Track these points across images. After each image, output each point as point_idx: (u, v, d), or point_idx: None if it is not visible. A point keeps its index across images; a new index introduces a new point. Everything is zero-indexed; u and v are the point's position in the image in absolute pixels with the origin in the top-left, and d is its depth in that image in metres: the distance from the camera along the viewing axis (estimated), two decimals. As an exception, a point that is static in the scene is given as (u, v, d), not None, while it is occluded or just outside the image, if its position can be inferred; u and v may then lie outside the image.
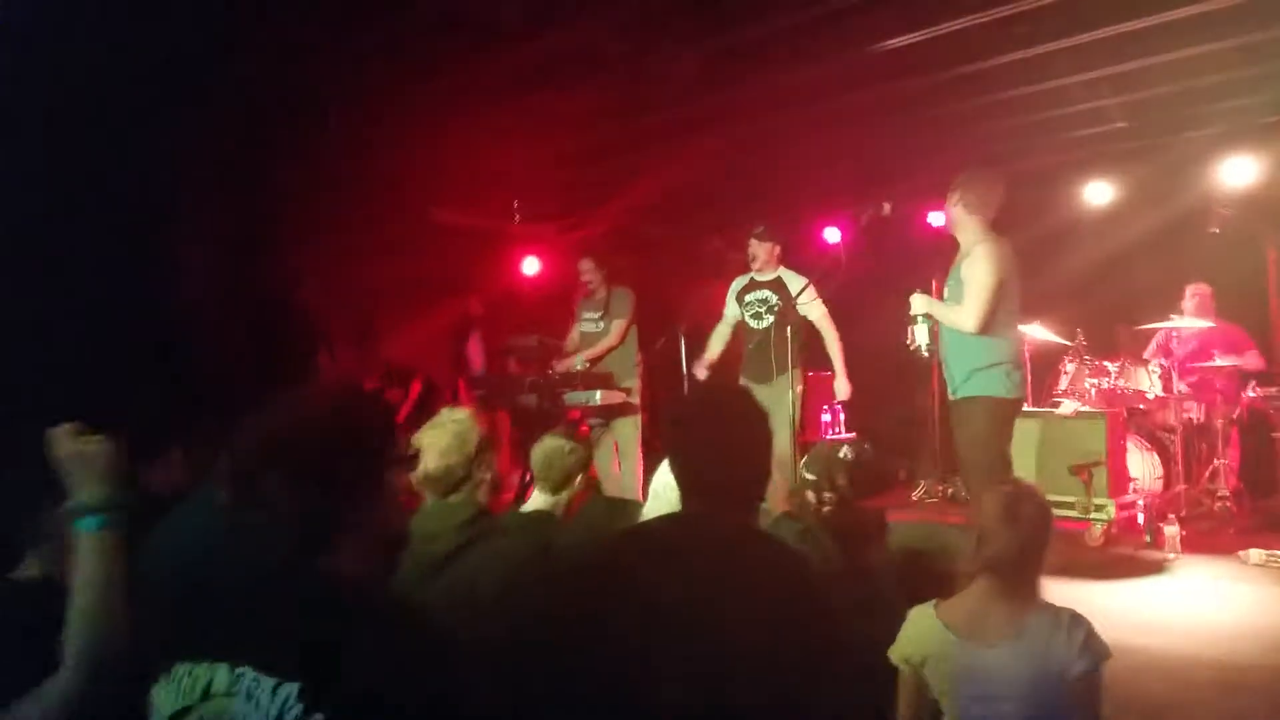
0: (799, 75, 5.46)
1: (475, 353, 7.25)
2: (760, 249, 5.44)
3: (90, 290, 4.07)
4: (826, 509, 2.80)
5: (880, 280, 7.65)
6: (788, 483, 5.38)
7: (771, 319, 5.44)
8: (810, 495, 2.83)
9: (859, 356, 7.30)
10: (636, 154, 6.74)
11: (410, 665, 1.19)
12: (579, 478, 2.95)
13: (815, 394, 7.08)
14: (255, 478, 1.31)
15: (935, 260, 7.54)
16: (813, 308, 5.32)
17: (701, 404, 2.01)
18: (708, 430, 1.82)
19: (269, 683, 1.15)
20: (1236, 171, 6.25)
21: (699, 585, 1.59)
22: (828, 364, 7.16)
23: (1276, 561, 4.79)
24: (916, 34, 4.85)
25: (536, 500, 2.99)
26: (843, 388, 5.60)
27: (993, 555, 2.08)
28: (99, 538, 1.57)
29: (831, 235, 7.73)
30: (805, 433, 6.98)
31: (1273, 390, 5.76)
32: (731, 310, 5.63)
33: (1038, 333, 6.20)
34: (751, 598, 1.59)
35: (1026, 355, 6.23)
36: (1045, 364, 6.29)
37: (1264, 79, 5.43)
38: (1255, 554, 4.84)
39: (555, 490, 2.97)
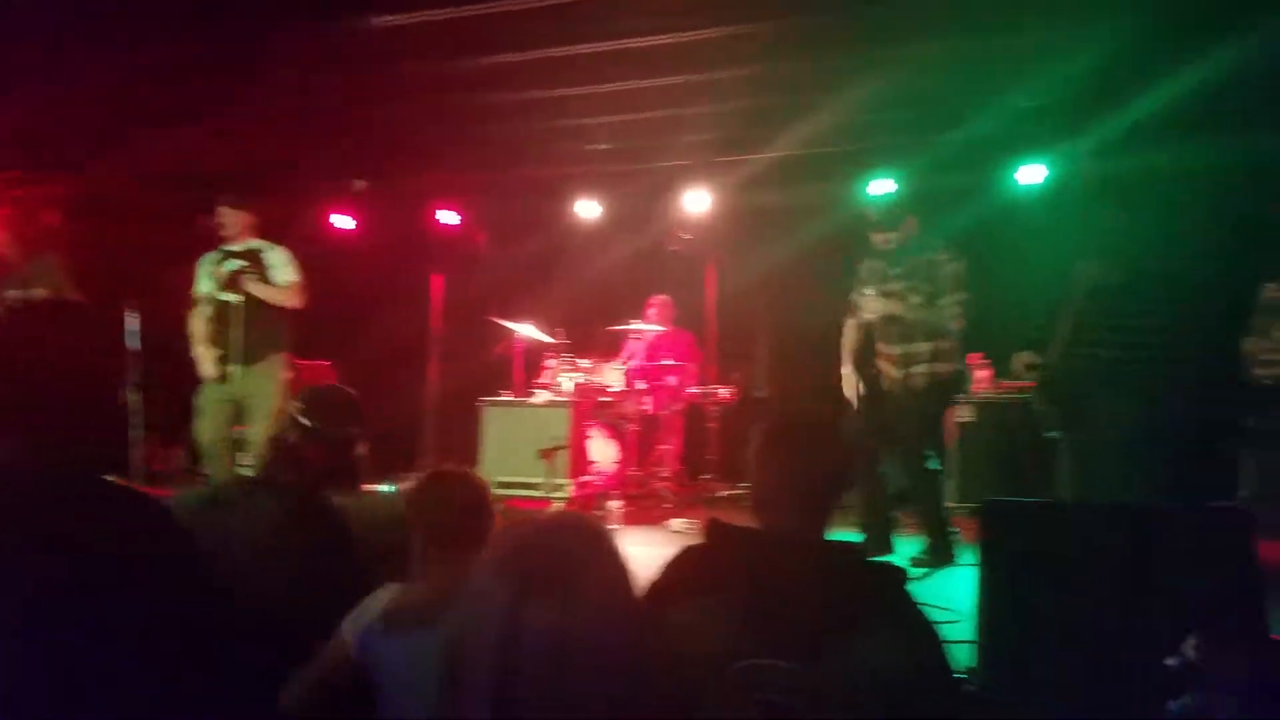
0: (301, 44, 5.25)
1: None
2: (231, 216, 5.06)
3: None
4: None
5: (386, 268, 7.67)
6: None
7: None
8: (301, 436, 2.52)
9: (360, 346, 7.23)
10: (124, 112, 5.98)
11: None
12: None
13: (311, 380, 6.88)
14: None
15: (441, 251, 7.80)
16: (285, 272, 5.04)
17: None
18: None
19: None
20: (695, 201, 7.30)
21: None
22: (321, 353, 6.94)
23: (692, 529, 5.62)
24: (415, 14, 4.87)
25: None
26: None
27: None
28: None
29: (342, 221, 7.60)
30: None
31: (708, 388, 6.75)
32: (205, 287, 5.14)
33: (528, 331, 6.67)
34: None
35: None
36: (536, 359, 6.76)
37: (713, 118, 6.34)
38: (676, 523, 5.66)
39: None
